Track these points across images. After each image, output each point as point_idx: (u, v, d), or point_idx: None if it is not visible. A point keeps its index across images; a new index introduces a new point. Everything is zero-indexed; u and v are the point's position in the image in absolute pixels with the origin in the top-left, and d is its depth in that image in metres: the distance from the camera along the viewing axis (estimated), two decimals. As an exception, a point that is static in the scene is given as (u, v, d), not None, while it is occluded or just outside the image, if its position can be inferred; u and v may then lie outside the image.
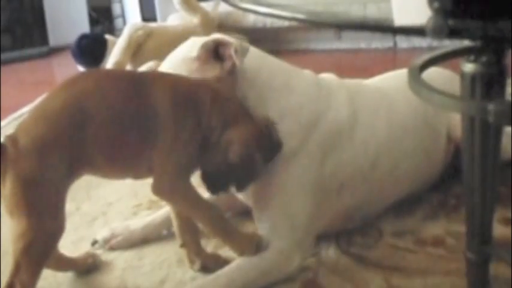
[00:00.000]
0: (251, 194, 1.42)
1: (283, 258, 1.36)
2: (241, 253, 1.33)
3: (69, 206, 1.76)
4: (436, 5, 0.66)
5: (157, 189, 1.28)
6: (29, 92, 3.13)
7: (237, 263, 1.34)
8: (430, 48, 2.55)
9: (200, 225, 1.39)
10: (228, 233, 1.34)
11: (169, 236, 1.56)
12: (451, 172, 1.70)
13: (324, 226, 1.46)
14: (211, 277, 1.32)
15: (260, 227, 1.40)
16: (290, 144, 1.37)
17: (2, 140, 1.18)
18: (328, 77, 1.56)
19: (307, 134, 1.40)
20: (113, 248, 1.55)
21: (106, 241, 1.56)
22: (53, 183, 1.18)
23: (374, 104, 1.53)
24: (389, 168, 1.52)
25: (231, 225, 1.36)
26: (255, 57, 1.42)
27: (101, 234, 1.58)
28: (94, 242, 1.57)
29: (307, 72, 1.51)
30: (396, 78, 1.68)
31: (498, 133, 1.06)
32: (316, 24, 0.97)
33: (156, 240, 1.57)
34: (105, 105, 1.21)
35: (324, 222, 1.45)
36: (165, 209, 1.60)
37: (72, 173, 1.22)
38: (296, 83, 1.44)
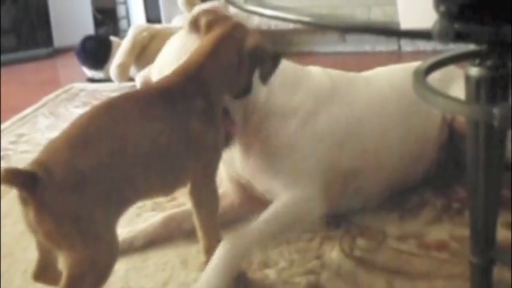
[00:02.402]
0: (265, 155, 1.50)
1: (307, 207, 1.46)
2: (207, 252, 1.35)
3: (72, 207, 1.78)
4: (442, 8, 0.65)
5: (196, 195, 1.33)
6: (33, 93, 3.14)
7: (265, 217, 1.40)
8: (435, 52, 2.55)
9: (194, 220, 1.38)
10: (213, 234, 1.36)
11: (173, 238, 1.56)
12: (450, 161, 1.74)
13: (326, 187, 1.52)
14: (241, 233, 1.37)
15: (277, 184, 1.47)
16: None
17: (29, 165, 1.10)
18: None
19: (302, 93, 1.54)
20: None
21: None
22: (98, 215, 1.12)
23: (353, 81, 1.68)
24: (377, 132, 1.61)
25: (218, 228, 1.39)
26: None
27: None
28: None
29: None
30: (381, 70, 1.84)
31: (502, 137, 1.06)
32: (321, 27, 0.97)
33: (159, 242, 1.57)
34: (141, 131, 1.19)
35: (327, 179, 1.52)
36: (152, 219, 1.61)
37: (120, 201, 1.17)
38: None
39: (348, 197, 1.60)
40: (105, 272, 1.15)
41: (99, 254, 1.14)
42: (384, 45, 3.58)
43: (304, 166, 1.49)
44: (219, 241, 1.35)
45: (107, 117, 1.19)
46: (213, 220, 1.36)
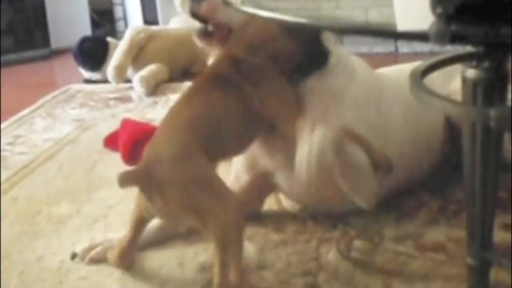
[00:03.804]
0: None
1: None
2: None
3: (69, 208, 1.79)
4: (438, 10, 0.65)
5: None
6: (30, 94, 3.14)
7: None
8: (432, 53, 2.55)
9: None
10: None
11: (170, 239, 1.56)
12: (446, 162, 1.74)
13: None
14: None
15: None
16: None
17: (141, 165, 1.33)
18: None
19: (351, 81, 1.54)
20: (93, 261, 1.50)
21: (85, 253, 1.51)
22: (207, 177, 1.32)
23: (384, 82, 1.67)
24: (383, 134, 1.58)
25: None
26: None
27: (80, 246, 1.53)
28: (73, 256, 1.51)
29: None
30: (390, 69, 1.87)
31: (499, 138, 1.06)
32: (318, 28, 0.97)
33: (156, 244, 1.56)
34: (210, 109, 1.39)
35: None
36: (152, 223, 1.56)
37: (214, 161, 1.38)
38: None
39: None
40: (240, 217, 1.31)
41: (226, 207, 1.29)
42: (381, 46, 3.58)
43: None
44: None
45: (184, 107, 1.42)
46: None
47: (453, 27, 0.66)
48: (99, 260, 1.50)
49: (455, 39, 0.68)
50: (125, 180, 1.29)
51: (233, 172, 1.65)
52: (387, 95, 1.63)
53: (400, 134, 1.63)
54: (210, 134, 1.36)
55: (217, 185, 1.32)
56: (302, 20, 0.83)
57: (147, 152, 1.36)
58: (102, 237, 1.56)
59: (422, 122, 1.69)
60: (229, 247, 1.27)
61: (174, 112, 1.43)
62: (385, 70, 1.83)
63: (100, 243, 1.53)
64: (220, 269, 1.24)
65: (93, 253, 1.51)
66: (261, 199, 1.66)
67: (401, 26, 0.69)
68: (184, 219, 1.33)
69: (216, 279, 1.25)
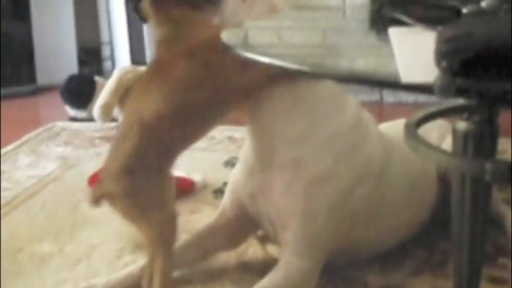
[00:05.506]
0: (277, 211, 1.45)
1: (304, 278, 1.41)
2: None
3: (51, 247, 1.76)
4: (444, 64, 0.67)
5: None
6: (15, 130, 3.11)
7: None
8: (416, 104, 2.58)
9: None
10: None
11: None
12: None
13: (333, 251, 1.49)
14: None
15: (284, 242, 1.44)
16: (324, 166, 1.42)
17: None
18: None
19: (344, 160, 1.44)
20: None
21: None
22: (150, 190, 1.35)
23: (390, 143, 1.58)
24: (400, 201, 1.59)
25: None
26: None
27: None
28: None
29: (351, 98, 1.54)
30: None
31: (488, 190, 1.07)
32: (321, 77, 0.98)
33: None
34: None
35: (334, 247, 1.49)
36: (131, 267, 1.56)
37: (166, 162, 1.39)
38: (345, 106, 1.49)
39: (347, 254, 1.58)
40: (170, 234, 1.37)
41: (161, 221, 1.35)
42: (367, 95, 3.61)
43: (315, 237, 1.43)
44: None
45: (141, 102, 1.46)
46: None
47: (458, 80, 0.67)
48: None
49: (459, 92, 0.69)
50: (91, 197, 1.38)
51: (221, 204, 1.64)
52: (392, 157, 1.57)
53: (398, 195, 1.60)
54: (167, 131, 1.36)
55: (159, 198, 1.36)
56: (305, 68, 0.85)
57: (104, 163, 1.41)
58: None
59: (419, 179, 1.67)
60: (157, 258, 1.34)
61: (129, 111, 1.46)
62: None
63: None
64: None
65: None
66: (243, 236, 1.65)
67: (406, 78, 0.70)
68: (134, 226, 1.39)
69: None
